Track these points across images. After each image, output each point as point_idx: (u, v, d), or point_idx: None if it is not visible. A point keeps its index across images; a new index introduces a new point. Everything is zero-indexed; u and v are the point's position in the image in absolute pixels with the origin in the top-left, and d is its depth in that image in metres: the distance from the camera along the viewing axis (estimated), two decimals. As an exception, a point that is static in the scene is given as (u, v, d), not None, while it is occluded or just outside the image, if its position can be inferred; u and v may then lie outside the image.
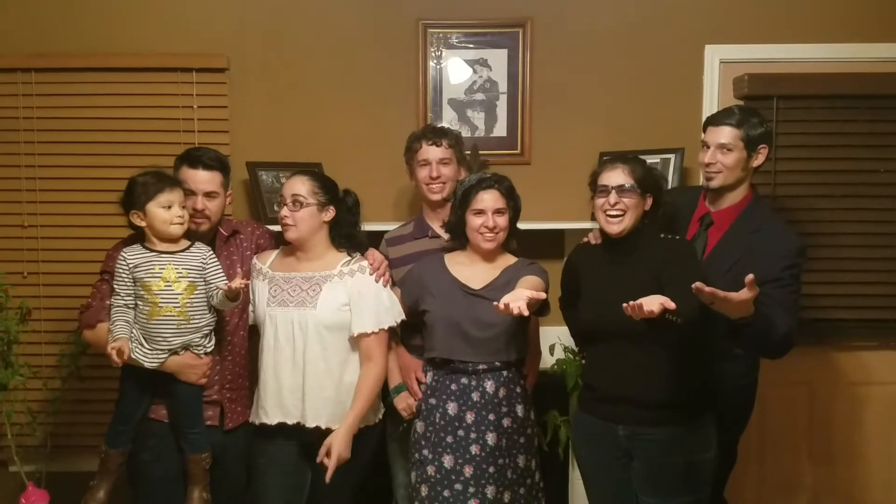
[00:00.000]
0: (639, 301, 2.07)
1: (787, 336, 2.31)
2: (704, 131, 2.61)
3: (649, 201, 2.43)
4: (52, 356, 3.30)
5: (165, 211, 2.43)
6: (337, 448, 2.46)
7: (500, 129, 3.43)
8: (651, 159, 3.03)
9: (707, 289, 2.02)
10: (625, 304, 2.09)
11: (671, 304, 2.06)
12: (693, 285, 2.03)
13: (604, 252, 2.50)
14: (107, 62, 3.30)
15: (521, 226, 2.71)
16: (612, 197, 2.38)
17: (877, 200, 3.36)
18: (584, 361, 2.67)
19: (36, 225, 3.34)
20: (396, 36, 3.38)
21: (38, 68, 3.29)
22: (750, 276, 2.02)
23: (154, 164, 2.60)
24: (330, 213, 2.60)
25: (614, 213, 2.38)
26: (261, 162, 3.32)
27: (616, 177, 2.39)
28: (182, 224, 2.46)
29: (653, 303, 2.06)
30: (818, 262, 3.37)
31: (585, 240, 2.64)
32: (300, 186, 2.56)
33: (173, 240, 2.47)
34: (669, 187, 3.08)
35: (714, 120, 2.58)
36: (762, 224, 2.51)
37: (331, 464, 2.44)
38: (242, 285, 2.43)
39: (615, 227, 2.39)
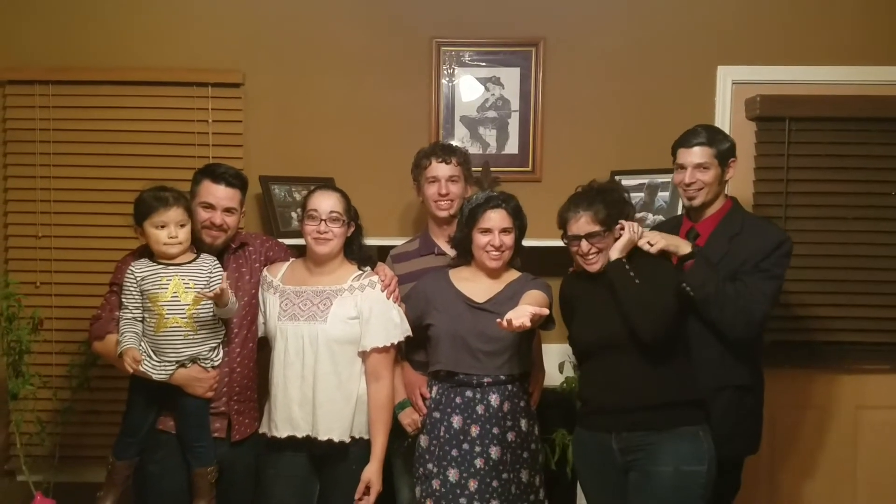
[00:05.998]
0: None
1: (749, 319, 2.45)
2: (674, 154, 2.67)
3: (618, 228, 2.47)
4: (62, 366, 3.32)
5: (158, 231, 2.44)
6: (376, 485, 2.55)
7: (512, 147, 3.44)
8: (662, 178, 3.04)
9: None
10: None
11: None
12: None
13: (587, 276, 2.53)
14: (123, 76, 3.34)
15: (532, 243, 2.72)
16: (584, 246, 2.45)
17: (888, 223, 3.34)
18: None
19: (50, 236, 3.37)
20: (410, 53, 3.41)
21: (55, 81, 3.33)
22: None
23: (168, 178, 2.63)
24: (351, 229, 2.64)
25: (591, 256, 2.46)
26: (274, 176, 3.34)
27: (582, 226, 2.45)
28: (176, 244, 2.45)
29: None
30: (829, 285, 3.36)
31: (571, 270, 2.67)
32: (337, 203, 2.59)
33: (170, 258, 2.47)
34: (679, 211, 3.08)
35: (684, 142, 2.64)
36: (741, 227, 2.60)
37: (371, 500, 2.55)
38: (212, 294, 2.37)
39: (595, 267, 2.48)
